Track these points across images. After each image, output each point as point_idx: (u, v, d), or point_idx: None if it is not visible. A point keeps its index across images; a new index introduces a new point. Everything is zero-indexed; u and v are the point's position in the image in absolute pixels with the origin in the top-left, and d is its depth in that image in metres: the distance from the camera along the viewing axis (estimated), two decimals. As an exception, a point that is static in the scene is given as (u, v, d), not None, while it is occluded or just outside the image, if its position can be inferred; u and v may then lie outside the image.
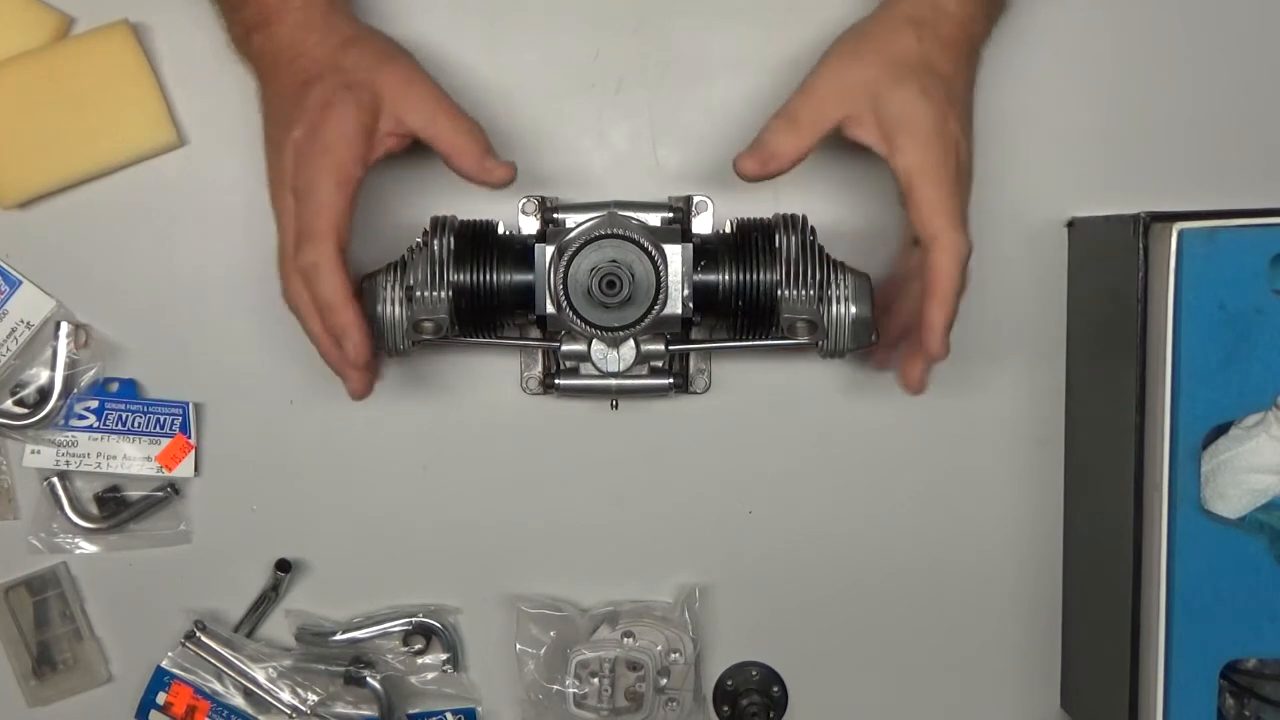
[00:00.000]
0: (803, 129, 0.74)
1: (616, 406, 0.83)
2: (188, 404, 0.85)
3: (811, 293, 0.75)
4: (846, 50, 0.75)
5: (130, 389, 0.84)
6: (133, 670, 0.87)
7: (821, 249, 0.77)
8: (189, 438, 0.84)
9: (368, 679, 0.85)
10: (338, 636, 0.86)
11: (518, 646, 0.85)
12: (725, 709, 0.88)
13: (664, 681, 0.84)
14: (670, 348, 0.79)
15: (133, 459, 0.84)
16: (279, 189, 0.74)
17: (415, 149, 0.76)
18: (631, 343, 0.78)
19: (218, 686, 0.86)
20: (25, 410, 0.83)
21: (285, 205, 0.73)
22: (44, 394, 0.83)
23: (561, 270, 0.73)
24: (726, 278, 0.76)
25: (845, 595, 0.88)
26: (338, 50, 0.73)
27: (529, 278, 0.76)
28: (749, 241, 0.77)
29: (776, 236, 0.76)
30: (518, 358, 0.85)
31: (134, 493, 0.86)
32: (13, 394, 0.83)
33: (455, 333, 0.76)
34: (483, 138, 0.74)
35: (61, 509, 0.84)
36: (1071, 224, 0.85)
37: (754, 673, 0.89)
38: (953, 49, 0.75)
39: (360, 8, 0.82)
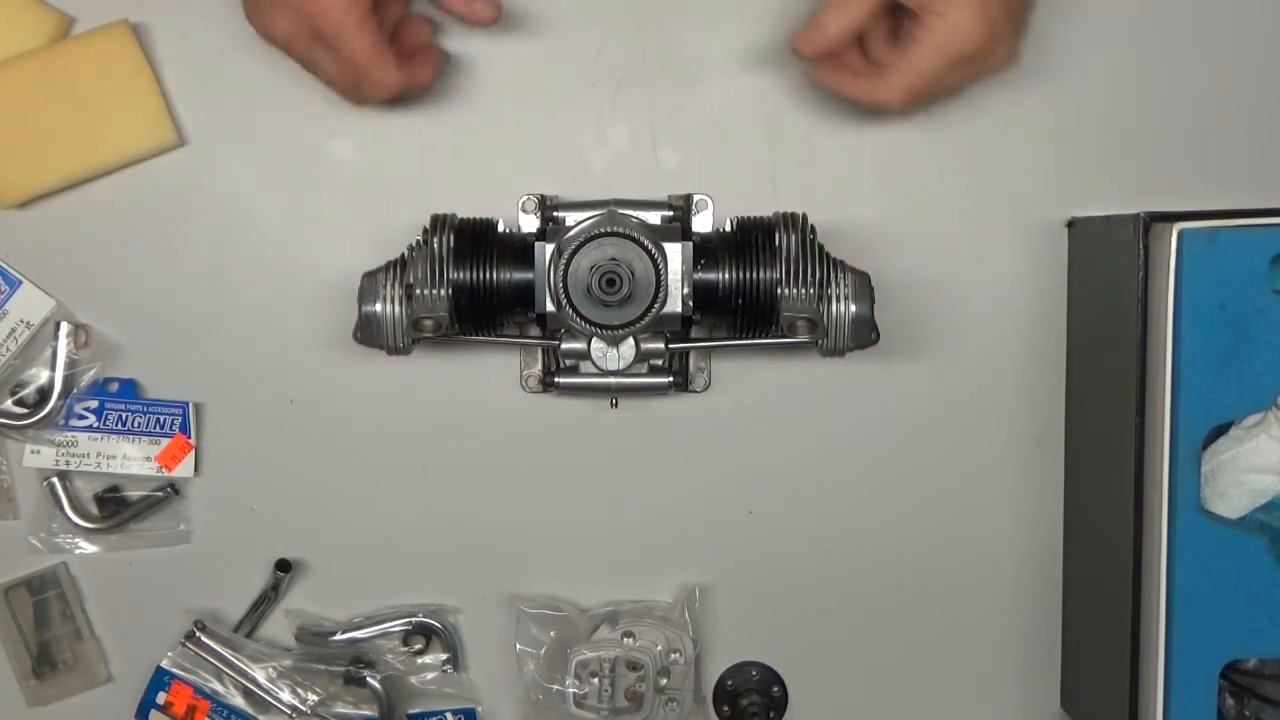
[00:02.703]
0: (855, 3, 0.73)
1: (616, 405, 0.83)
2: (188, 404, 0.85)
3: (811, 291, 0.75)
4: None
5: (130, 389, 0.84)
6: (133, 670, 0.87)
7: (821, 247, 0.77)
8: (189, 438, 0.84)
9: (368, 679, 0.85)
10: (338, 636, 0.86)
11: (518, 646, 0.85)
12: (725, 709, 0.88)
13: (664, 681, 0.84)
14: (670, 346, 0.79)
15: (133, 459, 0.84)
16: None
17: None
18: (631, 341, 0.78)
19: (218, 686, 0.86)
20: (25, 410, 0.83)
21: None
22: (44, 394, 0.83)
23: (561, 268, 0.73)
24: (726, 276, 0.76)
25: (845, 595, 0.88)
26: None
27: (529, 276, 0.76)
28: (749, 240, 0.77)
29: (776, 235, 0.76)
30: (517, 356, 0.85)
31: (134, 493, 0.86)
32: (13, 394, 0.84)
33: (455, 331, 0.76)
34: None
35: (61, 509, 0.84)
36: (1071, 224, 0.85)
37: (754, 673, 0.89)
38: None
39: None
